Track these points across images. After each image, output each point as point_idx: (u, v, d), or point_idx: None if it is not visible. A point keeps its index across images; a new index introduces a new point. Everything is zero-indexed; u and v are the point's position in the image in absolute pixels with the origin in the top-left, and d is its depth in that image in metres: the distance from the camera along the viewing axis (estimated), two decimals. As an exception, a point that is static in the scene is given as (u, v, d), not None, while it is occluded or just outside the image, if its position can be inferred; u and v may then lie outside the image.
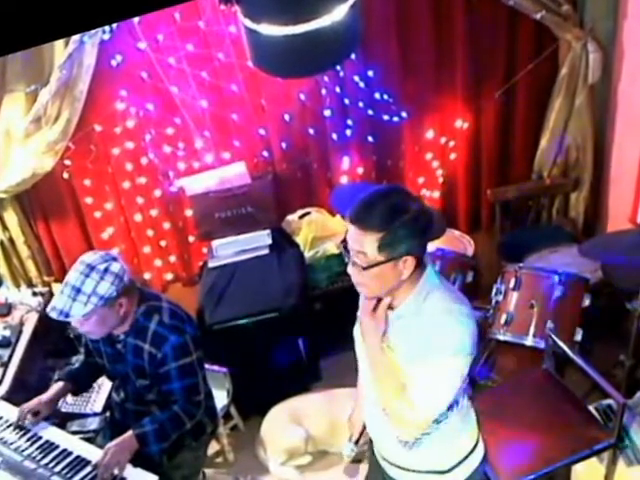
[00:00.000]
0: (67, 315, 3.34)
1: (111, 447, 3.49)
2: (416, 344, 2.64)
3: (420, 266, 2.65)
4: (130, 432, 3.56)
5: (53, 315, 3.37)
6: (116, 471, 3.43)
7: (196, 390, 3.69)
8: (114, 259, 3.45)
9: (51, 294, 5.12)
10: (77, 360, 4.06)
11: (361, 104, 5.46)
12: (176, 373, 3.57)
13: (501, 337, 4.52)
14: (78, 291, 3.32)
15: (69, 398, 4.57)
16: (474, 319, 2.70)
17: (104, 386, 4.61)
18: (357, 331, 2.96)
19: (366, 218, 2.52)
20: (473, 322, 2.68)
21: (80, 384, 4.03)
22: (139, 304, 3.61)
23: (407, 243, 2.53)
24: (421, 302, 2.67)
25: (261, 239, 5.44)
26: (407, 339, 2.69)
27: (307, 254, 5.55)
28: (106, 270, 3.37)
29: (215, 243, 5.48)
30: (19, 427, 3.79)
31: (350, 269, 2.66)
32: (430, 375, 2.64)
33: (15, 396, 4.17)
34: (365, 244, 2.53)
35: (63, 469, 3.54)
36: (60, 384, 3.90)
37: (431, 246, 4.74)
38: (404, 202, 2.55)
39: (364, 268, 2.57)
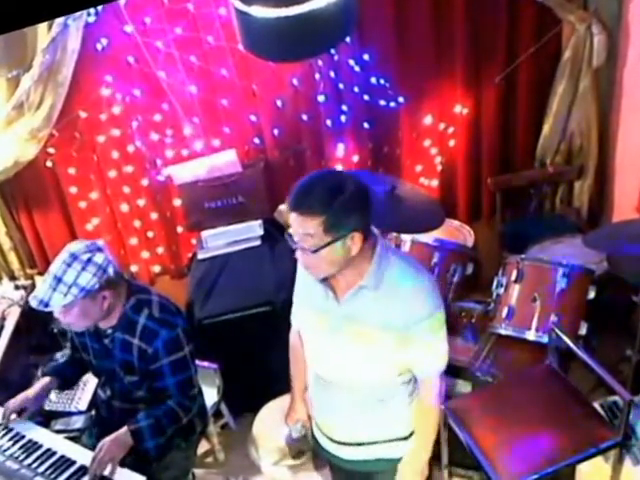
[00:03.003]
0: (47, 305, 3.35)
1: (106, 442, 3.49)
2: (391, 313, 2.87)
3: (368, 240, 2.85)
4: (125, 428, 3.56)
5: (33, 304, 3.37)
6: (108, 468, 3.43)
7: (190, 384, 3.71)
8: (99, 249, 3.44)
9: (34, 287, 5.11)
10: (63, 355, 4.06)
11: (356, 89, 5.44)
12: (169, 369, 3.58)
13: (502, 331, 4.51)
14: (59, 281, 3.32)
15: (53, 396, 4.57)
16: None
17: (89, 383, 4.61)
18: (300, 315, 3.30)
19: (306, 204, 2.68)
20: (431, 277, 3.05)
21: (66, 379, 4.03)
22: (127, 297, 3.61)
23: (351, 220, 2.71)
24: (381, 274, 2.88)
25: (252, 230, 5.43)
26: (376, 310, 2.89)
27: (300, 245, 5.53)
28: (89, 260, 3.36)
29: (204, 234, 5.47)
30: (5, 427, 3.79)
31: (299, 254, 2.83)
32: (428, 338, 2.95)
33: (-4, 394, 4.17)
34: (310, 228, 2.69)
35: (47, 469, 3.54)
36: (46, 379, 3.90)
37: (429, 236, 4.73)
38: (340, 183, 2.72)
39: (313, 251, 2.73)
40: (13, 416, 3.78)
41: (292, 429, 3.55)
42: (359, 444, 3.23)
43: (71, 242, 3.51)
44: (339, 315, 2.95)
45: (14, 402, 3.78)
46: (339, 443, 3.28)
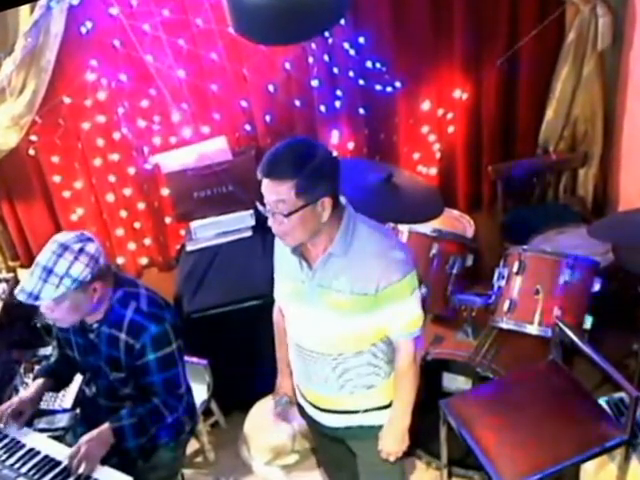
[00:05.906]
0: (37, 298, 3.31)
1: (85, 441, 3.47)
2: (361, 278, 3.08)
3: (338, 207, 3.08)
4: (106, 425, 3.55)
5: (21, 298, 3.33)
6: (84, 466, 3.40)
7: (177, 382, 3.70)
8: (90, 239, 3.43)
9: (16, 280, 5.11)
10: (52, 354, 4.05)
11: (351, 73, 5.41)
12: (156, 365, 3.57)
13: (504, 325, 4.49)
14: (50, 272, 3.29)
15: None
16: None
17: (74, 381, 4.59)
18: (280, 288, 3.49)
19: (277, 170, 2.90)
20: (400, 241, 3.47)
21: (60, 379, 4.03)
22: (114, 290, 3.59)
23: (321, 185, 2.94)
24: (349, 239, 3.10)
25: (243, 220, 5.42)
26: (347, 276, 3.10)
27: (293, 236, 5.52)
28: (81, 250, 3.35)
29: (193, 225, 5.46)
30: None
31: (271, 221, 3.08)
32: (400, 302, 3.14)
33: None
34: (282, 193, 2.91)
35: (30, 470, 3.52)
36: (40, 380, 3.88)
37: (428, 227, 4.72)
38: (309, 149, 2.96)
39: (286, 215, 2.95)
40: (10, 420, 3.74)
41: (277, 403, 3.82)
42: (340, 412, 3.44)
43: (57, 234, 3.49)
44: (314, 284, 3.17)
45: (9, 405, 3.73)
46: (322, 410, 3.50)
